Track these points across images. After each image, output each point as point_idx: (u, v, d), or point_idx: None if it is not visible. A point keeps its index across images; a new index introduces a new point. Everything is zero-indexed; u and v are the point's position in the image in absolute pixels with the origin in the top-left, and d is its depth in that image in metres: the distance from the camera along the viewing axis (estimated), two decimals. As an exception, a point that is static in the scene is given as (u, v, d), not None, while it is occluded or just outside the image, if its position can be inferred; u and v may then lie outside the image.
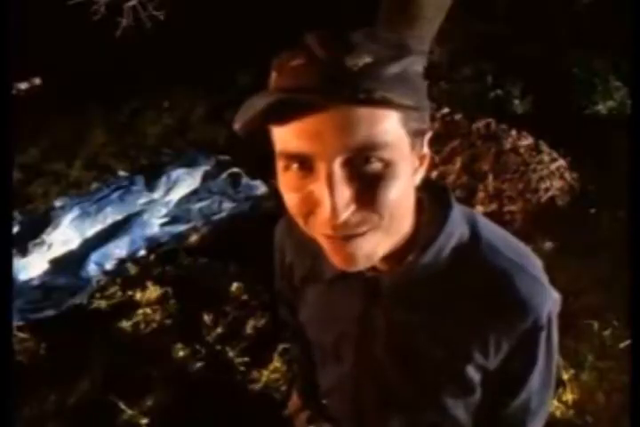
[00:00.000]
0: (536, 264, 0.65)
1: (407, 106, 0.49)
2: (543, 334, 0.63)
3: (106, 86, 4.82)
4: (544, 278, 0.64)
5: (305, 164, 0.51)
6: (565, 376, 1.93)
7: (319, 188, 0.50)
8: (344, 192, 0.50)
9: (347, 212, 0.50)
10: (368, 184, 0.51)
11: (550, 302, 0.63)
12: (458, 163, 3.14)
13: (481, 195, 2.92)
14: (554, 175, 3.04)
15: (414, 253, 0.62)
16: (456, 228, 0.63)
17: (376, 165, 0.50)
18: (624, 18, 3.34)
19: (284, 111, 0.48)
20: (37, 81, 5.76)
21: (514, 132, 3.34)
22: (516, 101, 3.92)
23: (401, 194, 0.53)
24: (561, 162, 3.14)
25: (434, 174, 3.09)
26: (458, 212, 0.64)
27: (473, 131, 3.38)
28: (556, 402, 1.85)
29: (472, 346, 0.63)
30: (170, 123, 4.51)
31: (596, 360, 2.00)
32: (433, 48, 4.85)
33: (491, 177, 3.02)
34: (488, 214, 2.80)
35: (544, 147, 3.24)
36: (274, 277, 0.90)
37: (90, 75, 5.01)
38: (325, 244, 0.56)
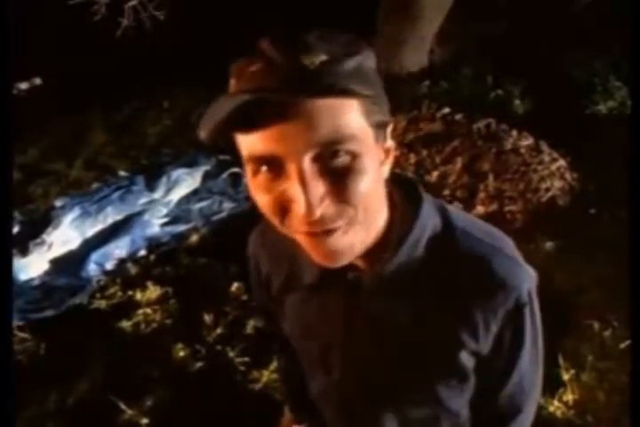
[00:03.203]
0: (510, 245, 0.67)
1: (367, 95, 0.50)
2: (527, 311, 0.65)
3: (106, 86, 4.81)
4: (519, 257, 0.66)
5: (274, 165, 0.51)
6: (566, 376, 1.93)
7: (291, 186, 0.51)
8: (317, 188, 0.50)
9: (321, 207, 0.51)
10: (339, 178, 0.51)
11: (528, 279, 0.65)
12: (458, 163, 3.14)
13: (481, 195, 2.92)
14: (554, 175, 3.04)
15: (391, 247, 0.63)
16: (429, 219, 0.64)
17: (344, 159, 0.51)
18: (624, 18, 3.34)
19: (250, 114, 0.48)
20: (37, 81, 5.75)
21: (514, 133, 3.34)
22: (517, 101, 3.91)
23: (371, 186, 0.53)
24: (561, 162, 3.14)
25: (434, 175, 3.09)
26: (428, 203, 0.65)
27: (473, 131, 3.38)
28: (556, 402, 1.85)
29: (462, 332, 0.64)
30: (170, 123, 4.51)
31: (597, 361, 2.00)
32: (433, 48, 4.86)
33: (491, 177, 3.02)
34: (489, 214, 2.80)
35: (544, 147, 3.24)
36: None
37: (90, 75, 5.01)
38: (305, 242, 0.56)
